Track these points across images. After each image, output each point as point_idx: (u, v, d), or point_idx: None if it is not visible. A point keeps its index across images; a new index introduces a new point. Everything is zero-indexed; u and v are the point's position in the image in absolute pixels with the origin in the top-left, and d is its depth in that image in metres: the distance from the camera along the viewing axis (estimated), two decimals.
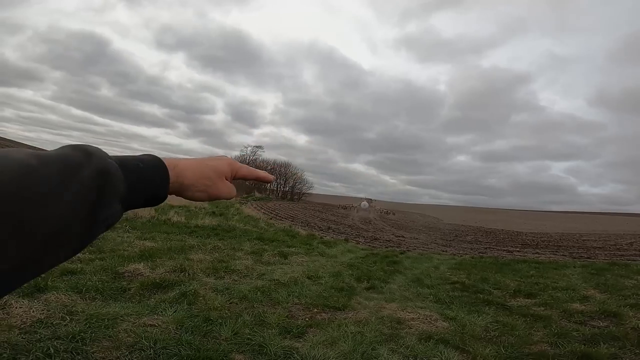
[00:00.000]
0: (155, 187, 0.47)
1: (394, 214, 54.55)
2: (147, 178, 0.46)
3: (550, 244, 17.58)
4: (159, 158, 0.49)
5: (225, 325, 3.23)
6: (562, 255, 12.41)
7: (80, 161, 0.37)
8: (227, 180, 0.57)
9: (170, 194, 0.51)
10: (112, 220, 0.41)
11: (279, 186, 71.01)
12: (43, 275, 3.85)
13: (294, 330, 3.39)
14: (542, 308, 4.75)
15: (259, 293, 4.36)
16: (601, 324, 4.17)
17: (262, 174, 0.63)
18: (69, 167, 0.36)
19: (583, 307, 4.72)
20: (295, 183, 72.00)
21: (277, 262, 6.64)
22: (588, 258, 11.43)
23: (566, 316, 4.41)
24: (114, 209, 0.41)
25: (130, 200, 0.44)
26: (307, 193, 75.19)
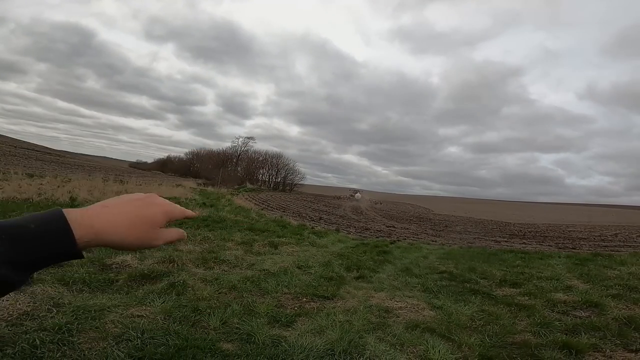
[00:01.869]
0: (52, 243, 0.44)
1: (381, 203, 55.05)
2: (38, 235, 0.44)
3: (537, 234, 17.91)
4: (60, 212, 0.46)
5: (214, 315, 3.24)
6: (548, 245, 12.67)
7: None
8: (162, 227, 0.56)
9: (90, 247, 0.49)
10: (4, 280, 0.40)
11: (270, 177, 70.80)
12: None
13: (282, 319, 3.42)
14: (527, 298, 4.85)
15: (248, 283, 4.38)
16: (583, 314, 4.25)
17: (190, 213, 0.63)
18: None
19: (566, 297, 4.81)
20: (287, 174, 71.81)
21: (267, 252, 6.65)
22: (573, 248, 11.69)
23: (549, 306, 4.51)
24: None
25: (20, 260, 0.42)
26: (299, 184, 75.04)
